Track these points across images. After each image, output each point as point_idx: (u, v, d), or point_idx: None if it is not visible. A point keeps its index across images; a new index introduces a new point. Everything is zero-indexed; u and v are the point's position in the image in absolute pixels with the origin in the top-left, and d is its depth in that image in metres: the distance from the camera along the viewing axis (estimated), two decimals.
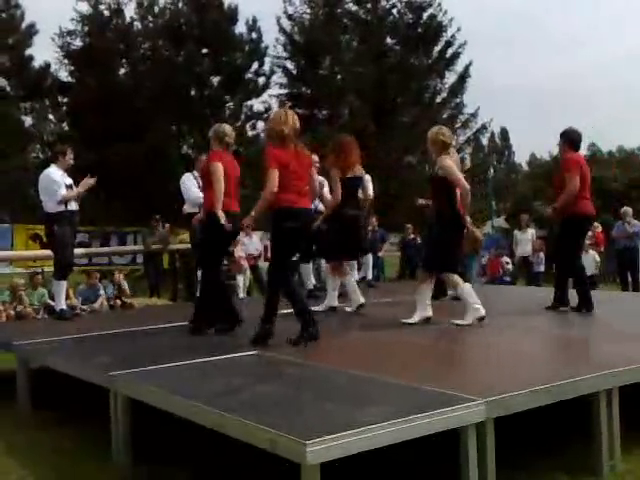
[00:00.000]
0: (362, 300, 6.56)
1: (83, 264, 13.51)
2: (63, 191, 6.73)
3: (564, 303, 6.34)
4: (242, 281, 12.47)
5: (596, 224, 13.93)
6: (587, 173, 6.26)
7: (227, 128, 5.74)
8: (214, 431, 3.14)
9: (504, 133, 55.75)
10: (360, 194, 6.73)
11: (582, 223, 6.30)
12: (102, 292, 10.72)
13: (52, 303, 10.22)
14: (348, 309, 6.60)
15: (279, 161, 4.84)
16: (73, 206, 6.87)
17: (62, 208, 6.74)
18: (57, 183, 6.73)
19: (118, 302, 10.99)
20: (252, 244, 13.11)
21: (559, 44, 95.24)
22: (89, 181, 6.94)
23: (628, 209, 13.15)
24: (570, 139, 6.33)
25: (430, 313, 5.67)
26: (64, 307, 7.05)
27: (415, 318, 5.63)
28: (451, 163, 5.58)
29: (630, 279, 13.03)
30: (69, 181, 6.89)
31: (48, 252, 7.48)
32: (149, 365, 4.14)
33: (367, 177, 7.99)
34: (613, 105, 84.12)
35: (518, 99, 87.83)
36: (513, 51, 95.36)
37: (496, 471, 3.11)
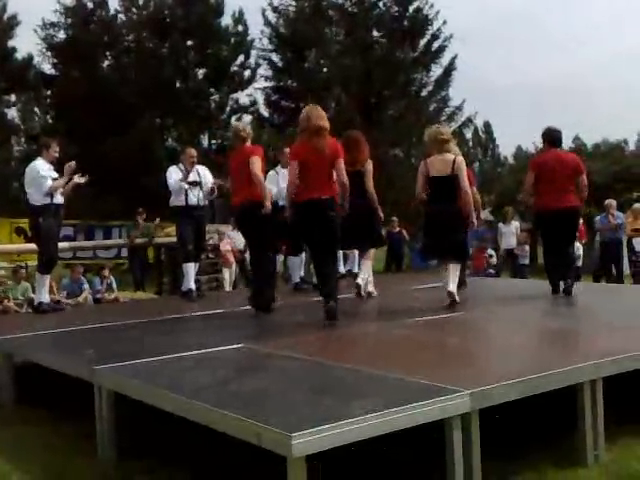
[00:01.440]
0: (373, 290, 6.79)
1: (67, 258, 13.42)
2: (49, 182, 6.68)
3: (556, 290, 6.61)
4: (228, 275, 12.45)
5: None
6: (554, 169, 6.43)
7: (240, 124, 6.33)
8: (211, 428, 3.12)
9: (487, 127, 55.86)
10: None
11: (537, 218, 6.81)
12: (86, 286, 10.65)
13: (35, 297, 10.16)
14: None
15: (296, 157, 5.26)
16: (59, 199, 6.82)
17: (48, 201, 6.68)
18: (43, 176, 6.68)
19: (103, 296, 10.93)
20: (239, 238, 13.09)
21: (560, 43, 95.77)
22: (72, 165, 6.84)
23: (612, 201, 13.21)
24: (548, 138, 6.65)
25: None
26: (43, 300, 6.96)
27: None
28: (419, 170, 6.01)
29: (614, 271, 13.12)
30: (55, 175, 6.83)
31: (32, 246, 7.42)
32: (134, 359, 4.12)
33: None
34: (613, 104, 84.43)
35: (517, 98, 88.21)
36: (513, 50, 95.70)
37: (482, 462, 3.13)
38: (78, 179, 6.93)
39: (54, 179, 6.76)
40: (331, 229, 5.28)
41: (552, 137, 6.63)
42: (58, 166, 7.01)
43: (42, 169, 6.73)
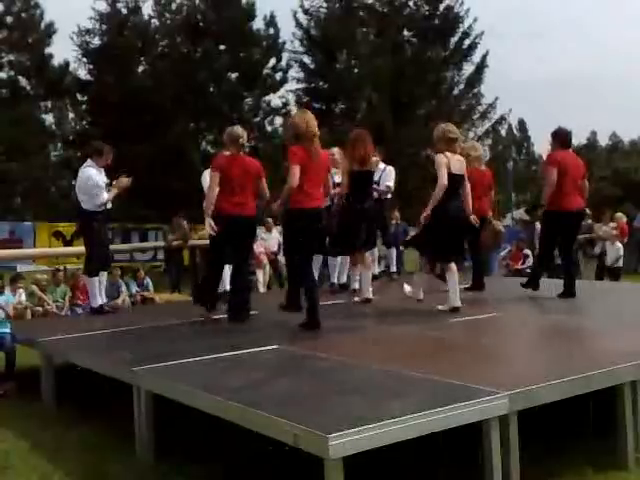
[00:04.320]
0: (369, 295, 6.61)
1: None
2: (105, 195, 6.73)
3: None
4: (262, 276, 12.52)
5: (620, 214, 13.73)
6: (570, 169, 6.39)
7: (240, 130, 5.96)
8: (242, 429, 3.14)
9: (522, 124, 55.21)
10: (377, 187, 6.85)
11: (558, 219, 6.42)
12: (124, 288, 10.80)
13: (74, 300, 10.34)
14: (356, 299, 6.69)
15: (300, 161, 5.12)
16: (109, 205, 6.91)
17: (102, 208, 6.77)
18: (99, 187, 6.68)
19: (139, 298, 11.08)
20: (271, 239, 13.16)
21: (570, 35, 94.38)
22: (124, 180, 6.92)
23: None
24: (559, 138, 6.54)
25: (458, 303, 5.78)
26: (98, 303, 6.99)
27: (445, 306, 5.80)
28: (442, 161, 5.74)
29: None
30: (106, 180, 6.87)
31: (70, 249, 7.54)
32: (171, 360, 4.17)
33: (389, 168, 8.00)
34: (630, 96, 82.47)
35: (537, 93, 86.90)
36: (526, 44, 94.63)
37: (520, 464, 3.09)
38: (125, 182, 6.96)
39: (107, 184, 6.82)
40: (321, 239, 5.45)
41: (566, 137, 6.57)
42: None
43: (97, 179, 6.70)
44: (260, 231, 12.90)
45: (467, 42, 22.38)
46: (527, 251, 13.61)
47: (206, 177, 7.69)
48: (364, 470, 3.33)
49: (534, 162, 51.00)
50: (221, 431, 3.77)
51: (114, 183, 6.92)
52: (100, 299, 7.03)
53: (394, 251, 9.39)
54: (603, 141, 48.84)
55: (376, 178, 8.30)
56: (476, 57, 22.40)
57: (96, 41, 21.84)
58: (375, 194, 8.20)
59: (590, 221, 12.95)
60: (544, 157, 6.52)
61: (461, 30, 22.35)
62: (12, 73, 22.35)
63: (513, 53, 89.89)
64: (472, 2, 22.22)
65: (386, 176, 8.10)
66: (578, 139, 40.81)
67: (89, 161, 6.89)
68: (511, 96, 40.54)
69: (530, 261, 13.44)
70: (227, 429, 3.46)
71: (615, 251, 12.98)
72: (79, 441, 4.28)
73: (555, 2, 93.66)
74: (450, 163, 5.76)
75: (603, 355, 4.00)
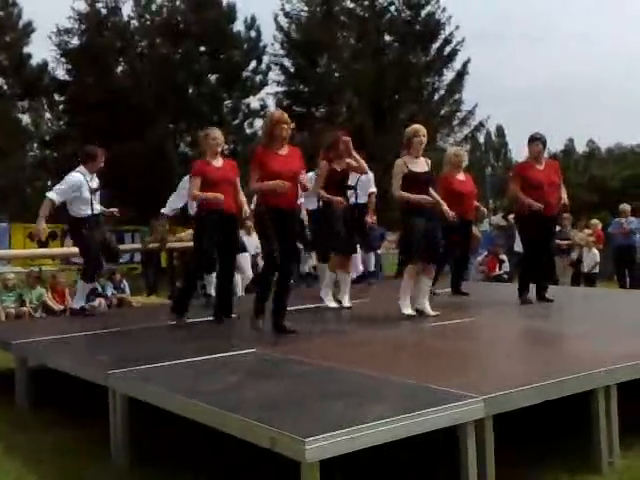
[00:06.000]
0: (348, 304, 6.62)
1: (80, 263, 13.46)
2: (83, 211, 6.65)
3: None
4: (240, 279, 12.45)
5: (596, 221, 13.88)
6: None
7: (217, 132, 6.03)
8: (222, 433, 3.13)
9: (500, 131, 55.74)
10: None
11: None
12: (100, 291, 10.68)
13: (49, 302, 10.22)
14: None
15: None
16: (97, 209, 6.78)
17: (88, 212, 6.64)
18: (62, 191, 6.55)
19: (115, 301, 10.98)
20: (251, 243, 13.10)
21: (562, 43, 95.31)
22: (115, 212, 7.13)
23: (626, 206, 13.11)
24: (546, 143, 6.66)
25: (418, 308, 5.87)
26: (76, 306, 6.95)
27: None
28: None
29: (627, 276, 13.01)
30: (95, 185, 6.75)
31: (46, 251, 7.44)
32: (147, 363, 4.14)
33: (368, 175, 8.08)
34: (616, 103, 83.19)
35: (520, 98, 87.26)
36: (514, 50, 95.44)
37: (495, 468, 3.11)
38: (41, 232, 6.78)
39: (94, 189, 6.71)
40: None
41: None
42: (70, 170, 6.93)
43: (71, 191, 6.56)
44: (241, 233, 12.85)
45: (448, 49, 22.59)
46: (503, 256, 13.73)
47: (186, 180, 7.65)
48: (363, 470, 3.36)
49: (511, 168, 51.38)
50: (198, 435, 3.75)
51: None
52: (82, 301, 6.98)
53: (373, 256, 9.43)
54: (580, 148, 49.39)
55: (353, 182, 8.24)
56: (457, 64, 22.64)
57: (75, 41, 21.65)
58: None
59: (568, 227, 13.09)
60: (551, 163, 6.83)
61: (442, 37, 22.56)
62: None
63: (513, 56, 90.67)
64: (473, 4, 22.58)
65: (365, 184, 8.07)
66: (556, 145, 41.29)
67: (81, 167, 6.75)
68: (491, 102, 41.05)
69: (506, 266, 13.56)
70: (215, 435, 3.45)
71: (591, 257, 13.12)
72: (54, 444, 4.22)
73: (556, 4, 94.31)
74: None
75: (579, 360, 4.04)
